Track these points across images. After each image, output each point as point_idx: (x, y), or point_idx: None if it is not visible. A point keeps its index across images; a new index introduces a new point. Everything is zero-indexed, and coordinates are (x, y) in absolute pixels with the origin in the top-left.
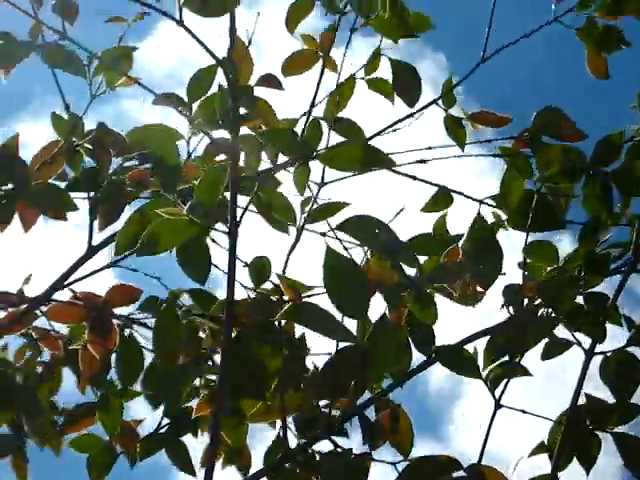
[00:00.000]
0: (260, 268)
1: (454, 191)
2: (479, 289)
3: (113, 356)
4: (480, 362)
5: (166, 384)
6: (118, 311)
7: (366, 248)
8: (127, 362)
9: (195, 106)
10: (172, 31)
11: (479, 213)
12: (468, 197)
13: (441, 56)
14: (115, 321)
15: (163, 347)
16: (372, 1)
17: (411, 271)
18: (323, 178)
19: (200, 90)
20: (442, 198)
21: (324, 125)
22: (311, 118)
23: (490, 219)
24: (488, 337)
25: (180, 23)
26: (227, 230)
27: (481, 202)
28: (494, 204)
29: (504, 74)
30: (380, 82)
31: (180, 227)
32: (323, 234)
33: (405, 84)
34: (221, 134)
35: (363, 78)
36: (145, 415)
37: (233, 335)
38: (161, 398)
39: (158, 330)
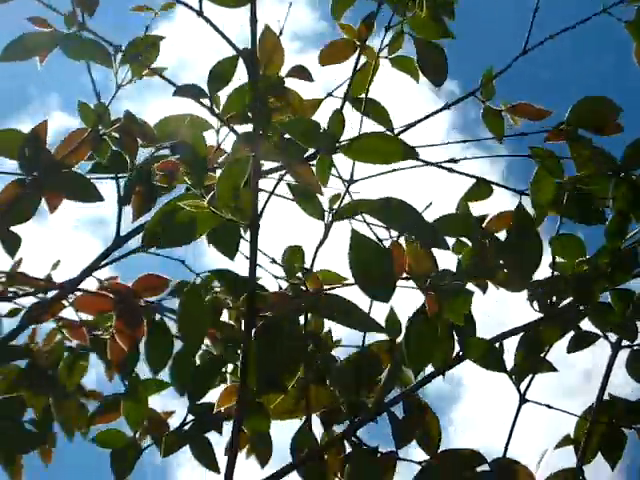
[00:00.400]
0: (293, 258)
1: (494, 182)
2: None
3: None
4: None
5: (192, 379)
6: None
7: (393, 232)
8: (156, 347)
9: (223, 98)
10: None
11: (520, 203)
12: (508, 188)
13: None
14: (144, 305)
15: (187, 329)
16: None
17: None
18: (352, 175)
19: (221, 82)
20: (482, 189)
21: (349, 111)
22: (336, 108)
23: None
24: (520, 335)
25: (200, 14)
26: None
27: (522, 193)
28: None
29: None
30: (404, 60)
31: (202, 219)
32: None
33: (431, 62)
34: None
35: (387, 57)
36: (174, 407)
37: (255, 328)
38: (186, 393)
39: (182, 311)
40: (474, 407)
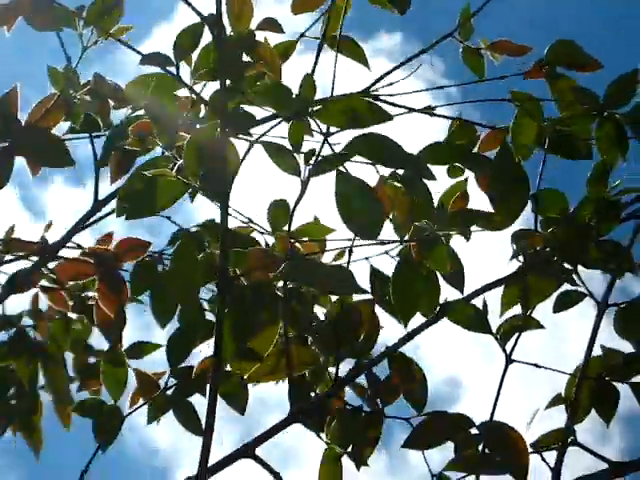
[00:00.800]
0: (278, 212)
1: (476, 122)
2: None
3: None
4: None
5: (170, 341)
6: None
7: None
8: (161, 299)
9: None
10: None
11: (504, 142)
12: (490, 127)
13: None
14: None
15: (179, 284)
16: None
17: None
18: (328, 128)
19: (187, 48)
20: (465, 129)
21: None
22: (306, 72)
23: None
24: (501, 288)
25: None
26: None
27: (505, 130)
28: None
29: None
30: None
31: (170, 188)
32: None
33: None
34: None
35: None
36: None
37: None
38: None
39: (174, 265)
40: (474, 408)
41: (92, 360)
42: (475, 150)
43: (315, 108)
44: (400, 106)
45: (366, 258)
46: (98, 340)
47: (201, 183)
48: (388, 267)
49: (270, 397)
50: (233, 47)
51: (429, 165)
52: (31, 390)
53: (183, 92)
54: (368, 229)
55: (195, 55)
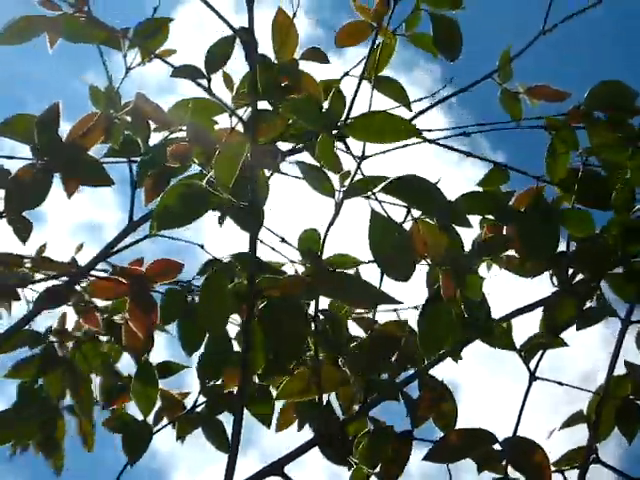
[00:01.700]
0: (308, 241)
1: (510, 167)
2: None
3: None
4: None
5: (201, 361)
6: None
7: (413, 212)
8: (189, 329)
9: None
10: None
11: (538, 188)
12: (525, 173)
13: (435, 67)
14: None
15: (208, 314)
16: None
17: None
18: (364, 152)
19: (217, 62)
20: (498, 174)
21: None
22: (335, 87)
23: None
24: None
25: None
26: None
27: (538, 179)
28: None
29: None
30: (421, 36)
31: (199, 200)
32: (367, 197)
33: (446, 38)
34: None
35: (404, 34)
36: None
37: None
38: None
39: (204, 295)
40: (471, 409)
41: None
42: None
43: (345, 123)
44: (439, 144)
45: (394, 310)
46: (123, 363)
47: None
48: None
49: None
50: (275, 73)
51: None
52: (56, 408)
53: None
54: (400, 271)
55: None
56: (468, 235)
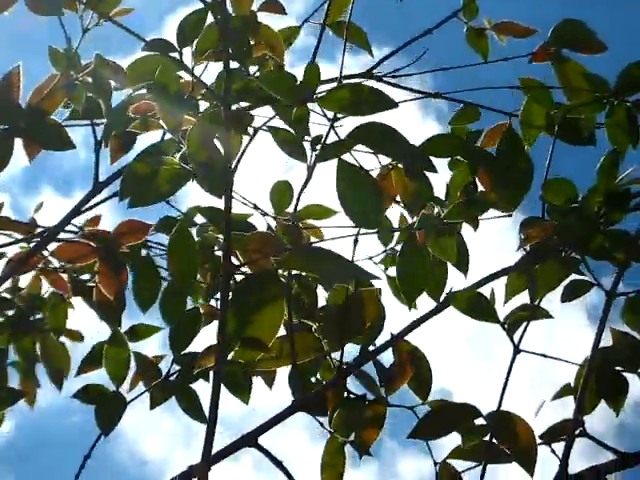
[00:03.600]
0: (281, 193)
1: (481, 106)
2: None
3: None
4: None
5: (173, 330)
6: None
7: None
8: (144, 284)
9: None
10: None
11: (510, 126)
12: (496, 110)
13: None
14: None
15: (177, 268)
16: None
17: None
18: (335, 114)
19: (190, 35)
20: (469, 112)
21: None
22: (311, 61)
23: None
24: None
25: None
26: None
27: (511, 115)
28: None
29: None
30: None
31: (171, 177)
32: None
33: None
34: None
35: None
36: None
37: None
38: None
39: (172, 249)
40: (454, 384)
41: None
42: (479, 144)
43: (319, 95)
44: (405, 88)
45: (370, 258)
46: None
47: (204, 172)
48: None
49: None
50: (236, 29)
51: (431, 157)
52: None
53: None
54: (368, 219)
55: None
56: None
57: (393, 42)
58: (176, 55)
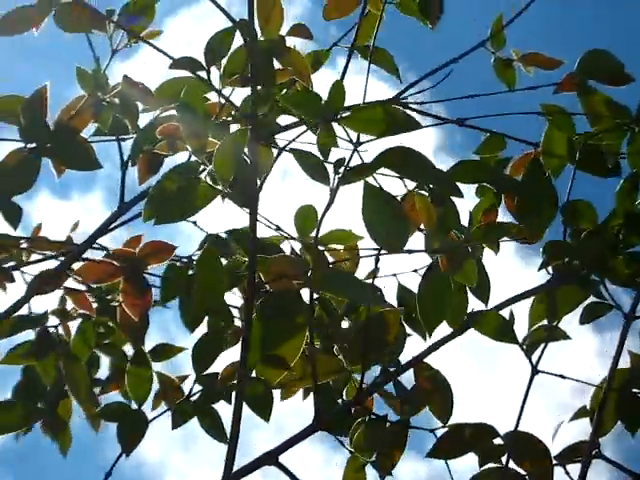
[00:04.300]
0: (305, 218)
1: (507, 135)
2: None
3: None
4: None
5: (196, 347)
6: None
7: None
8: (190, 305)
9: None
10: None
11: (535, 156)
12: (521, 141)
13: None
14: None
15: (205, 289)
16: None
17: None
18: (359, 138)
19: (218, 53)
20: (494, 142)
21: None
22: (336, 79)
23: None
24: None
25: None
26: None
27: (536, 145)
28: None
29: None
30: (409, 2)
31: (201, 194)
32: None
33: (430, 4)
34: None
35: (392, 2)
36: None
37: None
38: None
39: (199, 270)
40: (471, 405)
41: None
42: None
43: (344, 115)
44: (430, 115)
45: (394, 274)
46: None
47: (231, 189)
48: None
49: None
50: (264, 53)
51: (458, 183)
52: (58, 389)
53: (212, 96)
54: (393, 243)
55: (224, 59)
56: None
57: (422, 68)
58: (203, 74)
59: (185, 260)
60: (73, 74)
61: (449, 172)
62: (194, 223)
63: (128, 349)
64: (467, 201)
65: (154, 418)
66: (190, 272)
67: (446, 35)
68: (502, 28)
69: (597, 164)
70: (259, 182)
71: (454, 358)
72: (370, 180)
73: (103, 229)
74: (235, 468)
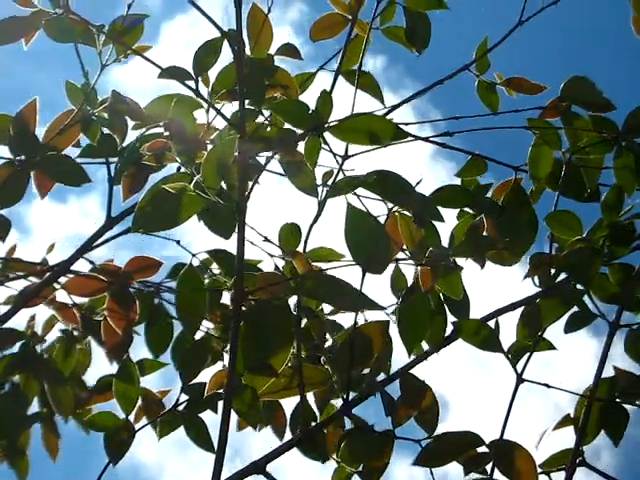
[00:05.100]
0: (289, 236)
1: (489, 158)
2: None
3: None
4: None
5: (183, 360)
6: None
7: (389, 205)
8: (156, 332)
9: (212, 78)
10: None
11: (516, 179)
12: (503, 164)
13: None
14: (145, 289)
15: (186, 311)
16: None
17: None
18: (347, 151)
19: (206, 63)
20: (476, 164)
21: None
22: (323, 89)
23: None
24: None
25: None
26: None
27: (517, 169)
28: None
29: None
30: (396, 30)
31: (188, 202)
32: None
33: (416, 30)
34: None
35: (378, 28)
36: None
37: (244, 309)
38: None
39: (180, 294)
40: (458, 414)
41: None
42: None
43: (331, 124)
44: (416, 137)
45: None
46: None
47: (220, 196)
48: None
49: None
50: (253, 69)
51: (440, 207)
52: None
53: (199, 115)
54: (375, 265)
55: (212, 74)
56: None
57: (413, 84)
58: (192, 83)
59: (154, 285)
60: (70, 73)
61: (431, 197)
62: (177, 242)
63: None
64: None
65: (140, 428)
66: (155, 300)
67: (446, 34)
68: (486, 52)
69: (577, 189)
70: (247, 191)
71: (446, 366)
72: (353, 200)
73: (89, 244)
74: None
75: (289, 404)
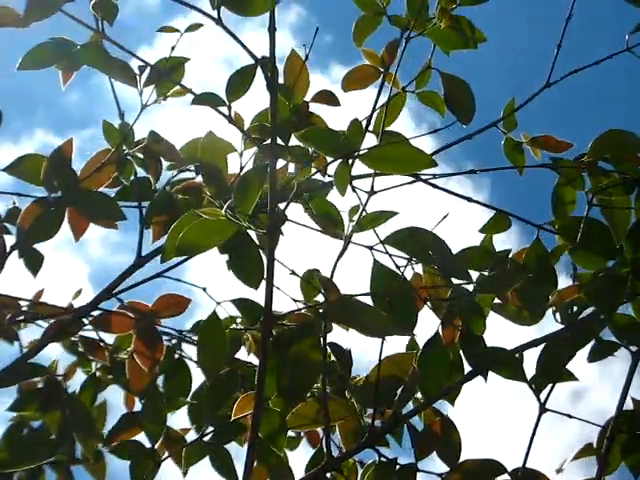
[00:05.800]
0: (312, 281)
1: (513, 215)
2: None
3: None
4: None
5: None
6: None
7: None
8: (175, 384)
9: (248, 120)
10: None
11: (538, 238)
12: (527, 222)
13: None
14: (166, 342)
15: (207, 361)
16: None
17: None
18: (372, 187)
19: (239, 90)
20: (500, 220)
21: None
22: (354, 117)
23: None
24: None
25: (219, 22)
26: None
27: (539, 227)
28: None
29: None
30: (432, 95)
31: (217, 227)
32: (370, 247)
33: (458, 99)
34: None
35: (414, 91)
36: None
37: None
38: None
39: (202, 344)
40: (480, 442)
41: None
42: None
43: (361, 152)
44: (442, 189)
45: None
46: None
47: (252, 221)
48: None
49: None
50: (287, 116)
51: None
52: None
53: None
54: (403, 326)
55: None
56: None
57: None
58: (225, 110)
59: (177, 335)
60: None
61: (458, 256)
62: (204, 289)
63: None
64: None
65: (165, 459)
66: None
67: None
68: (514, 111)
69: (604, 244)
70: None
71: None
72: (379, 258)
73: (117, 283)
74: None
75: None
